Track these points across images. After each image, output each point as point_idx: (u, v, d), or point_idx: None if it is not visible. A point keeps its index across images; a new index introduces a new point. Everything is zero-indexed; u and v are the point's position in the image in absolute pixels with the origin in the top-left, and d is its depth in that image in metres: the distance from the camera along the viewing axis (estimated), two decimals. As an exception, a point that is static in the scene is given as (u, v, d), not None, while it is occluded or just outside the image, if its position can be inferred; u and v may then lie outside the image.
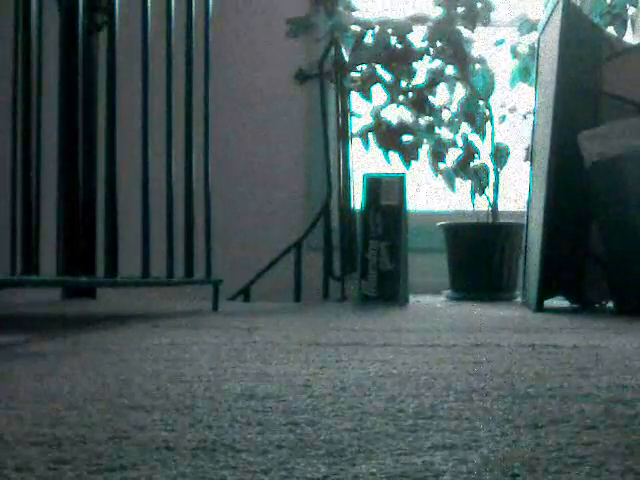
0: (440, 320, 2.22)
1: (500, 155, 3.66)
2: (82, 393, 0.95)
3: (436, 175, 3.72)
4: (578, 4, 3.27)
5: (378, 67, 3.56)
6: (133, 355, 1.35)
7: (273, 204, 4.04)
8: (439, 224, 3.67)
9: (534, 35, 3.44)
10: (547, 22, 2.94)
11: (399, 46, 3.55)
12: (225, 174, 3.78)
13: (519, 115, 3.73)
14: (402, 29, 3.55)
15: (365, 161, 3.77)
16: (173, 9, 2.49)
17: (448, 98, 3.65)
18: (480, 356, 1.31)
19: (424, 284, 3.77)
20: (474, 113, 3.62)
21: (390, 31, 3.55)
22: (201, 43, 2.61)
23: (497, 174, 3.67)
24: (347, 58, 3.55)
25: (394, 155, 3.60)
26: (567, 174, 2.64)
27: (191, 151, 2.52)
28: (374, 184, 3.14)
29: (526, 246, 3.06)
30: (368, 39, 3.57)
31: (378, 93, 3.61)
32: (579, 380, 1.04)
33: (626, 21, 3.49)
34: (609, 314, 2.48)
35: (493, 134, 3.66)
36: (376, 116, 3.63)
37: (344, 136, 3.60)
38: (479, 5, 3.57)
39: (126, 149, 2.31)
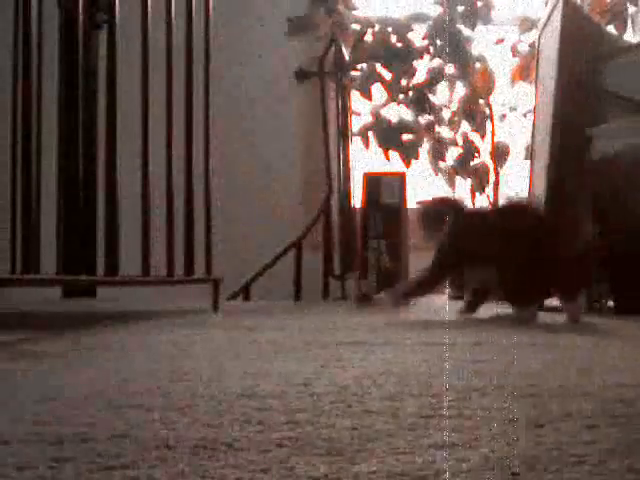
0: (440, 319, 2.22)
1: (500, 154, 3.66)
2: (82, 392, 0.95)
3: (436, 174, 3.72)
4: (578, 2, 3.27)
5: (378, 66, 3.56)
6: (133, 354, 1.35)
7: (273, 203, 4.04)
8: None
9: (534, 33, 3.44)
10: (547, 21, 2.94)
11: (399, 45, 3.55)
12: (225, 173, 3.78)
13: (519, 114, 3.73)
14: (402, 28, 3.55)
15: (365, 160, 3.77)
16: (173, 8, 2.49)
17: (448, 97, 3.65)
18: (480, 355, 1.31)
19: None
20: (474, 112, 3.62)
21: (390, 30, 3.55)
22: (201, 42, 2.61)
23: (497, 173, 3.67)
24: (347, 57, 3.55)
25: (394, 154, 3.61)
26: (567, 173, 2.64)
27: (191, 150, 2.52)
28: (374, 183, 3.14)
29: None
30: (368, 38, 3.57)
31: (378, 92, 3.61)
32: (579, 379, 1.04)
33: (626, 19, 3.49)
34: (609, 313, 2.48)
35: (493, 133, 3.66)
36: (376, 115, 3.63)
37: (344, 135, 3.60)
38: (479, 4, 3.57)
39: (126, 148, 2.31)
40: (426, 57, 3.59)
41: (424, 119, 3.61)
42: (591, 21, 3.04)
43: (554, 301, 2.77)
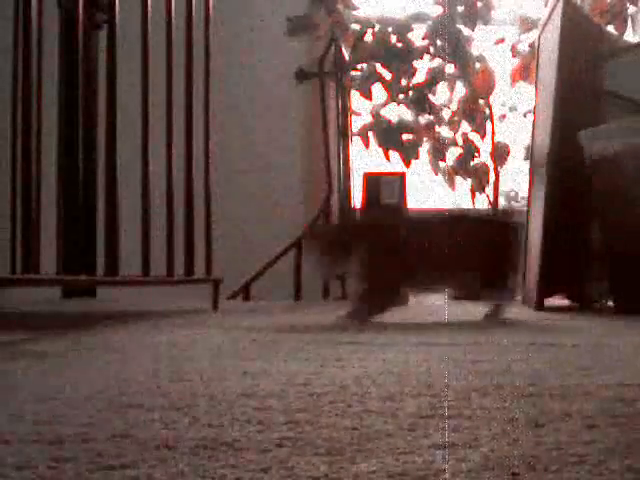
0: (440, 319, 2.22)
1: (500, 154, 3.66)
2: (83, 392, 0.95)
3: (436, 174, 3.72)
4: (578, 2, 3.27)
5: (378, 66, 3.56)
6: (133, 354, 1.35)
7: (273, 203, 4.04)
8: (439, 223, 3.67)
9: (534, 34, 3.44)
10: (547, 21, 2.94)
11: (399, 45, 3.55)
12: (225, 173, 3.78)
13: (519, 114, 3.73)
14: (402, 28, 3.55)
15: (365, 160, 3.77)
16: (173, 8, 2.49)
17: (448, 97, 3.65)
18: (480, 355, 1.31)
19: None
20: (474, 112, 3.62)
21: (390, 30, 3.55)
22: (201, 42, 2.61)
23: (497, 173, 3.67)
24: (347, 57, 3.55)
25: (394, 154, 3.61)
26: (567, 173, 2.64)
27: (191, 150, 2.52)
28: (374, 182, 3.13)
29: (526, 245, 3.06)
30: (368, 38, 3.57)
31: (378, 92, 3.62)
32: (579, 379, 1.04)
33: (626, 19, 3.50)
34: (609, 313, 2.48)
35: (493, 133, 3.66)
36: (376, 115, 3.63)
37: (344, 135, 3.60)
38: (479, 4, 3.57)
39: (126, 148, 2.31)
40: (426, 57, 3.59)
41: (424, 119, 3.61)
42: (591, 21, 3.04)
43: (554, 301, 2.77)
